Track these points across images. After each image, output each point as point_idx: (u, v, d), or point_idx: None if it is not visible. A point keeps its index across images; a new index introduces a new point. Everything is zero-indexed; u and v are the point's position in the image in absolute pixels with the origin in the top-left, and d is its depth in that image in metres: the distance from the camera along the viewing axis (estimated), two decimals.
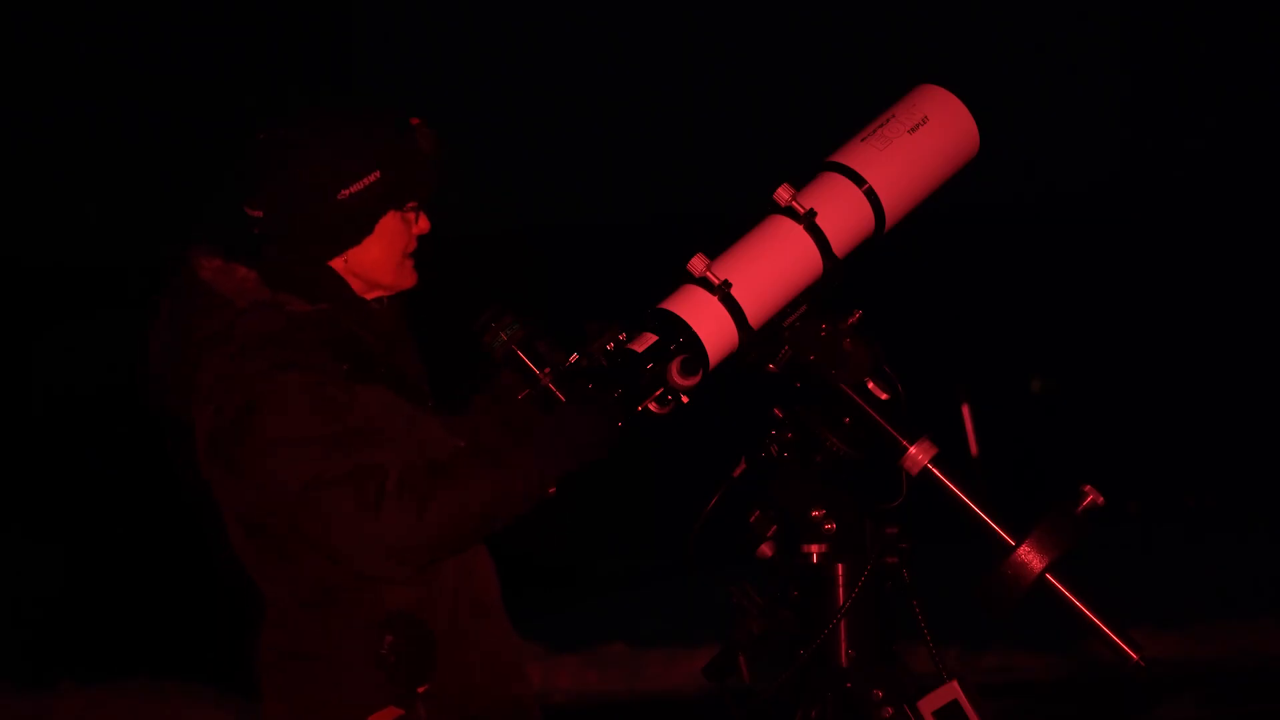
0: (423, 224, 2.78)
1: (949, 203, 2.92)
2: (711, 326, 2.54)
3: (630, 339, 2.54)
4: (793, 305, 2.63)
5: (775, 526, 2.68)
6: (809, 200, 2.62)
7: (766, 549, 2.69)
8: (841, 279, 2.67)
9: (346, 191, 2.68)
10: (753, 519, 2.70)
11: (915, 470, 2.59)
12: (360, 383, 2.65)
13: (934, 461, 2.58)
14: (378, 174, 2.69)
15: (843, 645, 2.61)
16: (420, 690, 2.62)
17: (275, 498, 2.59)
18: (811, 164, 2.71)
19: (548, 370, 2.53)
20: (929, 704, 2.54)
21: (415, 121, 2.74)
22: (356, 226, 2.71)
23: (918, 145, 2.71)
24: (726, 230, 2.64)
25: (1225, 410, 18.37)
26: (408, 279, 2.79)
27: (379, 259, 2.75)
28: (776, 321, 2.62)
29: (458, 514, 2.54)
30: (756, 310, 2.58)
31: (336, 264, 2.74)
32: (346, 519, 2.51)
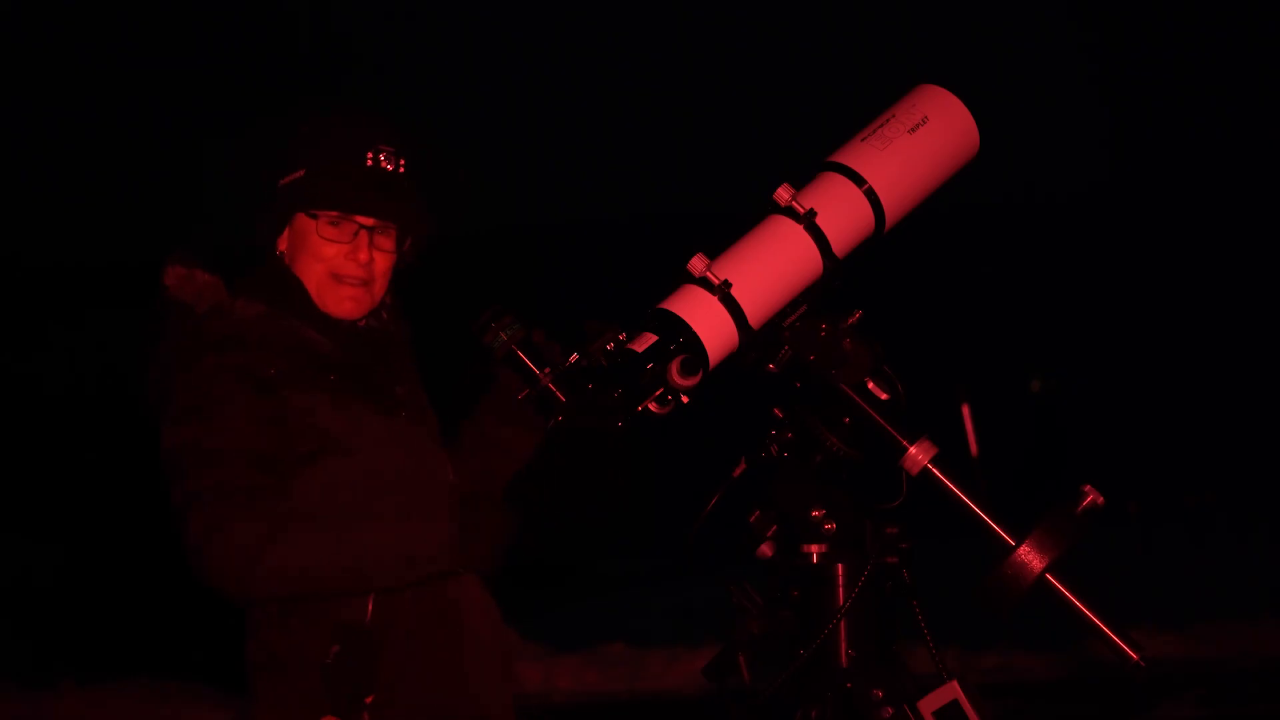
0: (362, 254, 2.76)
1: (949, 203, 2.92)
2: (711, 326, 2.54)
3: (630, 339, 2.54)
4: (793, 305, 2.63)
5: (775, 526, 2.68)
6: (809, 200, 2.62)
7: (766, 549, 2.69)
8: (841, 279, 2.66)
9: (283, 181, 2.75)
10: (753, 519, 2.70)
11: (915, 470, 2.58)
12: (298, 389, 2.64)
13: (934, 461, 2.58)
14: (302, 173, 2.73)
15: (843, 645, 2.61)
16: (368, 700, 2.62)
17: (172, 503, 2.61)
18: (811, 164, 2.70)
19: (548, 370, 2.53)
20: (929, 704, 2.54)
21: (384, 148, 2.75)
22: (275, 216, 2.77)
23: (918, 145, 2.70)
24: (726, 230, 2.64)
25: (1225, 410, 18.37)
26: (335, 305, 2.77)
27: (308, 270, 2.76)
28: (776, 321, 2.62)
29: (302, 559, 2.52)
30: (756, 310, 2.57)
31: (283, 254, 2.78)
32: (196, 529, 2.52)
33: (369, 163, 2.73)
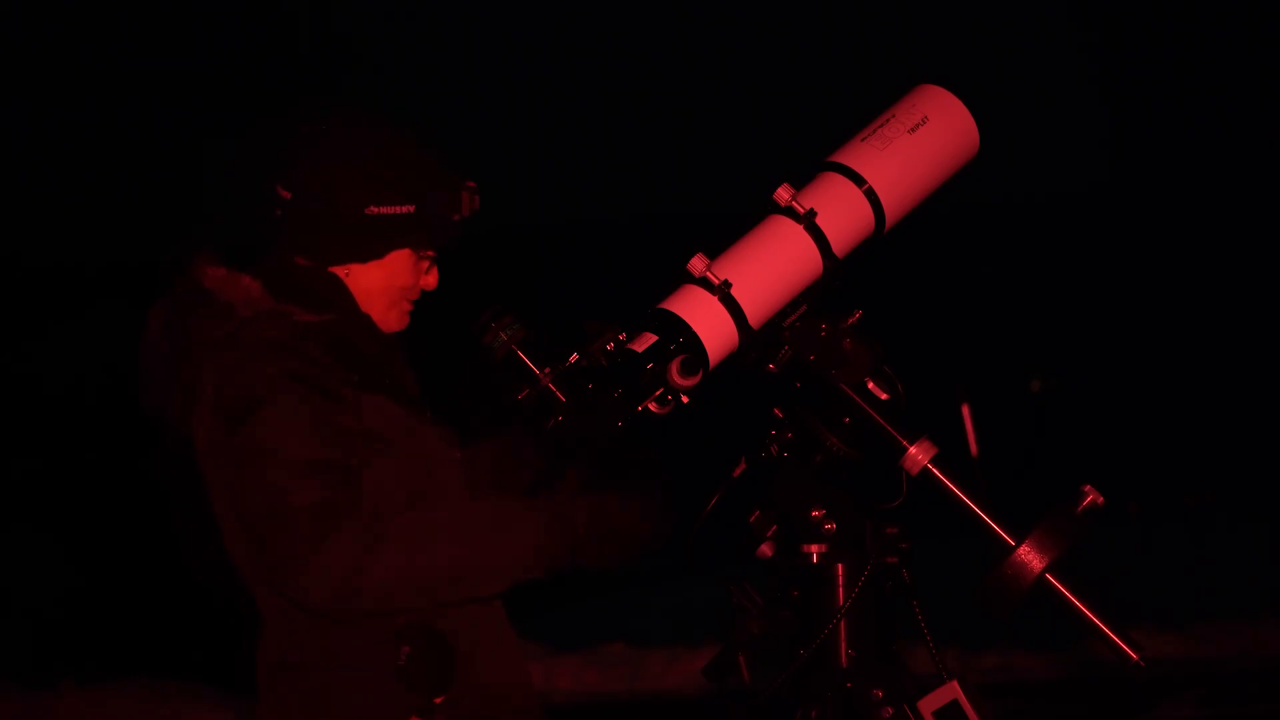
0: (431, 279, 2.80)
1: (949, 203, 2.92)
2: (711, 326, 2.54)
3: (630, 339, 2.54)
4: (793, 305, 2.63)
5: (775, 526, 2.68)
6: (809, 200, 2.62)
7: (766, 549, 2.69)
8: (841, 279, 2.67)
9: (376, 209, 2.69)
10: (753, 519, 2.70)
11: (915, 470, 2.58)
12: (367, 393, 2.63)
13: (934, 461, 2.58)
14: (412, 209, 2.71)
15: (843, 645, 2.61)
16: (438, 701, 2.61)
17: (246, 508, 2.58)
18: (811, 164, 2.71)
19: (548, 370, 2.53)
20: (929, 704, 2.54)
21: (471, 184, 2.75)
22: (369, 245, 2.72)
23: (918, 145, 2.71)
24: (726, 230, 2.64)
25: (1224, 410, 18.37)
26: (395, 322, 2.79)
27: (377, 288, 2.74)
28: (776, 321, 2.62)
29: (408, 571, 2.51)
30: (756, 310, 2.58)
31: (339, 273, 2.74)
32: (295, 547, 2.48)
33: (478, 207, 2.77)
